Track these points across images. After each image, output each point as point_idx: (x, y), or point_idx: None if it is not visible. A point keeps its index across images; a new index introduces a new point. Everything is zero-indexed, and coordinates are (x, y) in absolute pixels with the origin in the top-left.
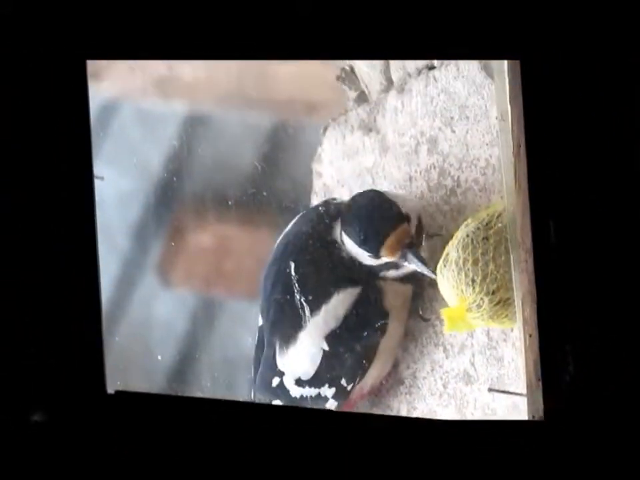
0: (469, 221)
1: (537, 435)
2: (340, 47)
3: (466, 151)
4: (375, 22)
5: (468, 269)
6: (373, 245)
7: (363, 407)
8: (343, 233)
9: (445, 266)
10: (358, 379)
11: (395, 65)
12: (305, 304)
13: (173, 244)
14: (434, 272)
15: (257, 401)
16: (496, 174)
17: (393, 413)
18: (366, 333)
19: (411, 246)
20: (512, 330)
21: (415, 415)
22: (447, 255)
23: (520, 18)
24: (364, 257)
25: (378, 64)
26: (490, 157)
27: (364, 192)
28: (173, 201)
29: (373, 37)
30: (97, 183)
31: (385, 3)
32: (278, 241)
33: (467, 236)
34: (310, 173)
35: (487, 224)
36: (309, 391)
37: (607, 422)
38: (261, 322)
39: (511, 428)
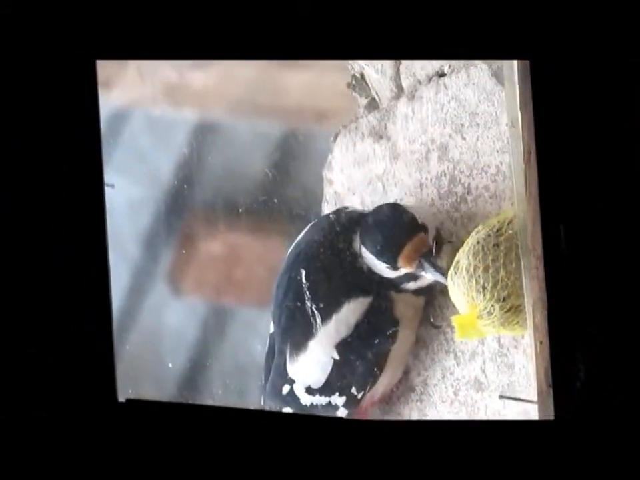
0: (480, 227)
1: (547, 441)
2: (349, 47)
3: (476, 158)
4: (383, 22)
5: (479, 276)
6: (389, 255)
7: (373, 415)
8: (362, 246)
9: (455, 273)
10: (369, 387)
11: (405, 72)
12: (316, 312)
13: (183, 252)
14: None
15: (267, 408)
16: (506, 181)
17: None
18: (377, 341)
19: (428, 255)
20: (523, 337)
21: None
22: (458, 262)
23: (531, 21)
24: (382, 269)
25: (388, 71)
26: (500, 163)
27: (381, 205)
28: (183, 209)
29: (380, 36)
30: (107, 190)
31: (394, 3)
32: (290, 250)
33: (478, 243)
34: (320, 180)
35: (497, 231)
36: (320, 399)
37: (618, 428)
38: (272, 329)
39: (521, 433)
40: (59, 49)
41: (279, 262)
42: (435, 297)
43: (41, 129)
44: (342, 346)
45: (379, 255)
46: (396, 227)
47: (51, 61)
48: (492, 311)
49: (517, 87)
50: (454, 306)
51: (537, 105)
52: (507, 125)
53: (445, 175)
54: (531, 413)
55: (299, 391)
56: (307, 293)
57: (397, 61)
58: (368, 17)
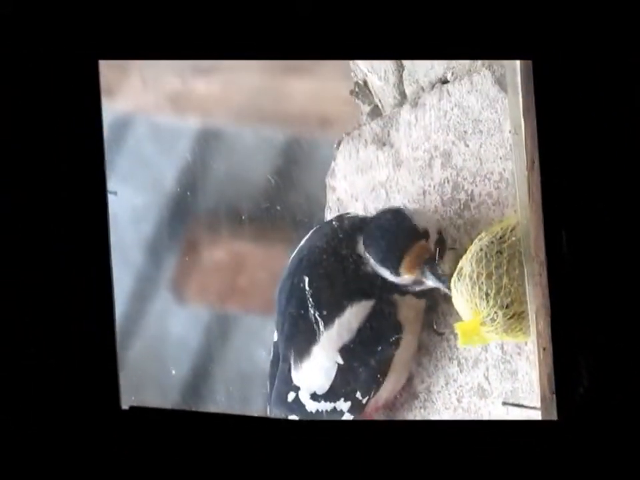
0: (483, 234)
1: (550, 446)
2: (349, 46)
3: (479, 165)
4: (385, 22)
5: (482, 283)
6: (391, 263)
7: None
8: (365, 251)
9: (458, 280)
10: (373, 392)
11: (408, 78)
12: (319, 318)
13: (186, 259)
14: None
15: (272, 416)
16: (509, 188)
17: None
18: (380, 347)
19: (430, 263)
20: (526, 343)
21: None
22: (461, 268)
23: (534, 23)
24: (387, 275)
25: (391, 78)
26: (504, 170)
27: (382, 211)
28: (186, 216)
29: (381, 36)
30: (110, 198)
31: (395, 3)
32: (292, 256)
33: (481, 250)
34: (324, 187)
35: (500, 237)
36: (325, 405)
37: (621, 434)
38: (276, 337)
39: (523, 438)
40: (61, 52)
41: (281, 269)
42: (438, 303)
43: (44, 136)
44: (345, 350)
45: (382, 262)
46: (398, 234)
47: (53, 65)
48: (495, 318)
49: (520, 94)
50: (457, 313)
51: (540, 112)
52: (509, 132)
53: (448, 181)
54: (534, 419)
55: (304, 397)
56: (310, 299)
57: (400, 68)
58: (369, 17)
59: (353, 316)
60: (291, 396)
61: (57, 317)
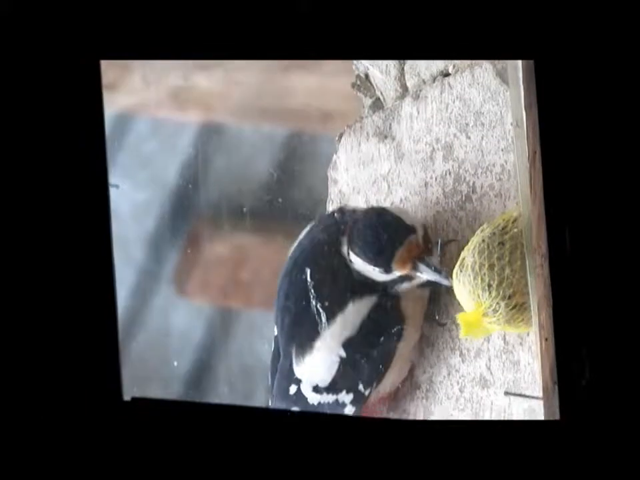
0: (485, 226)
1: (553, 438)
2: (350, 46)
3: (481, 157)
4: (386, 21)
5: (484, 274)
6: (383, 260)
7: (380, 412)
8: (350, 253)
9: (461, 271)
10: (375, 384)
11: (409, 71)
12: (321, 311)
13: (189, 251)
14: (448, 277)
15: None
16: (511, 180)
17: (410, 417)
18: (382, 339)
19: (421, 256)
20: (528, 334)
21: (431, 419)
22: (463, 260)
23: (536, 19)
24: (375, 274)
25: (393, 71)
26: (505, 162)
27: (365, 211)
28: (188, 211)
29: (383, 36)
30: (112, 192)
31: (398, 3)
32: (292, 249)
33: (483, 241)
34: (325, 180)
35: (502, 229)
36: (327, 398)
37: (624, 424)
38: (276, 332)
39: (526, 430)
40: (62, 44)
41: (283, 262)
42: (440, 294)
43: (44, 131)
44: (348, 344)
45: (372, 261)
46: (385, 232)
47: (54, 59)
48: (497, 309)
49: (522, 87)
50: (459, 304)
51: (542, 104)
52: (511, 124)
53: (449, 174)
54: (536, 409)
55: (306, 390)
56: (312, 291)
57: (402, 61)
58: (369, 17)
59: (355, 310)
60: (293, 389)
61: (59, 311)
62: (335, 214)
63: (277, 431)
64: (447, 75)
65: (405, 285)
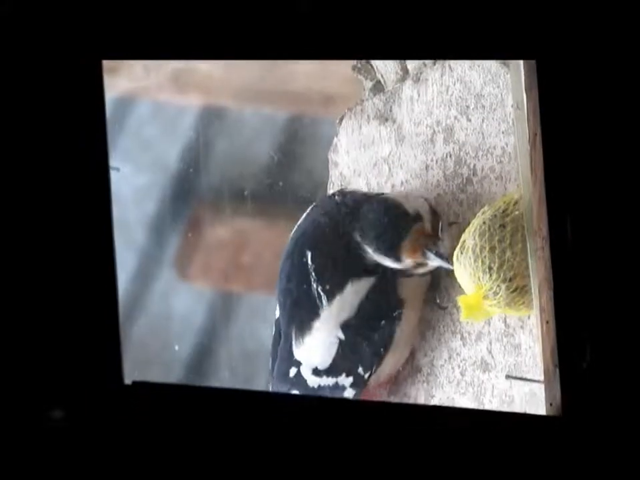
0: (486, 208)
1: (554, 422)
2: (350, 46)
3: (482, 140)
4: (387, 21)
5: (485, 257)
6: (392, 252)
7: (380, 395)
8: (362, 243)
9: (461, 253)
10: (375, 368)
11: None
12: (322, 293)
13: (190, 235)
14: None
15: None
16: (512, 162)
17: (411, 401)
18: (382, 322)
19: (430, 243)
20: (529, 317)
21: (432, 402)
22: (464, 242)
23: (536, 17)
24: (389, 263)
25: None
26: (506, 145)
27: (370, 202)
28: (189, 194)
29: (383, 35)
30: (113, 175)
31: (398, 3)
32: (293, 231)
33: (484, 223)
34: (326, 163)
35: (503, 211)
36: (327, 381)
37: (625, 407)
38: (277, 314)
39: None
40: (66, 44)
41: (285, 246)
42: (441, 277)
43: (45, 115)
44: (346, 326)
45: (382, 253)
46: (392, 223)
47: (55, 53)
48: (498, 291)
49: (522, 69)
50: (460, 287)
51: (542, 87)
52: (512, 106)
53: (450, 156)
54: (537, 393)
55: (306, 372)
56: (313, 274)
57: None
58: (369, 16)
59: (353, 292)
60: (293, 371)
61: (60, 296)
62: (336, 196)
63: (277, 414)
64: None
65: (419, 270)
